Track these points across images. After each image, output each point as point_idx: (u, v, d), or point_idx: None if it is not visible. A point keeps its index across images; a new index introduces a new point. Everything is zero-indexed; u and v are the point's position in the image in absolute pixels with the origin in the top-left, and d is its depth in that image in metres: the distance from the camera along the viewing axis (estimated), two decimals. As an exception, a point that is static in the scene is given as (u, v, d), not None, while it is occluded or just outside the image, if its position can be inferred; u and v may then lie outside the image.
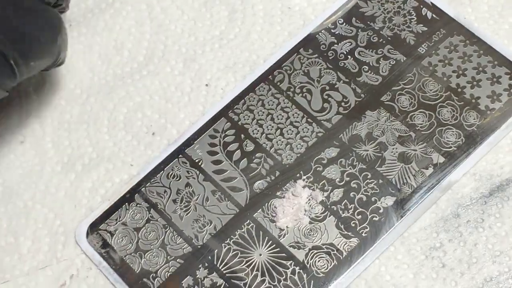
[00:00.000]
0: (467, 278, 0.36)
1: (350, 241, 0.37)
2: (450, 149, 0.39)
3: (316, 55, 0.43)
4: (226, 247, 0.38)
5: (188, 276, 0.38)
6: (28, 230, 0.40)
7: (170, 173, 0.40)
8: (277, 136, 0.41)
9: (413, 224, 0.38)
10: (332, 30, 0.43)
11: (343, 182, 0.39)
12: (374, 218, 0.38)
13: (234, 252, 0.38)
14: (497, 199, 0.38)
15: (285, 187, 0.39)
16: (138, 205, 0.40)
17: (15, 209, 0.40)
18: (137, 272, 0.38)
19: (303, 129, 0.41)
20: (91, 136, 0.42)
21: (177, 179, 0.40)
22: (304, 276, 0.37)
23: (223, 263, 0.38)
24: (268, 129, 0.41)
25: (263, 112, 0.41)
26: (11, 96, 0.42)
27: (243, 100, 0.42)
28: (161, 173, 0.40)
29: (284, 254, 0.38)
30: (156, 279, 0.38)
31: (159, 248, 0.38)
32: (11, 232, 0.40)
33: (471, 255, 0.37)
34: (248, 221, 0.39)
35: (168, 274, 0.38)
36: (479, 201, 0.38)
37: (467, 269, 0.36)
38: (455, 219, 0.38)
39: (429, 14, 0.43)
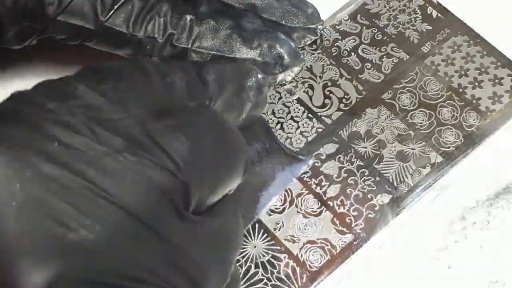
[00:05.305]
0: (472, 280, 0.36)
1: (344, 237, 0.38)
2: (449, 149, 0.39)
3: (320, 50, 0.43)
4: (222, 238, 0.38)
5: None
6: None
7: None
8: (277, 130, 0.41)
9: (416, 225, 0.38)
10: (337, 27, 0.44)
11: (341, 178, 0.39)
12: (370, 215, 0.38)
13: (230, 244, 0.38)
14: (503, 201, 0.38)
15: (282, 181, 0.40)
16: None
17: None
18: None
19: (303, 124, 0.41)
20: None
21: (177, 169, 0.41)
22: (297, 269, 0.37)
23: (218, 254, 0.38)
24: (269, 123, 0.41)
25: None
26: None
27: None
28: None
29: (278, 247, 0.38)
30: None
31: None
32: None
33: (476, 257, 0.37)
34: (245, 213, 0.39)
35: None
36: (485, 203, 0.38)
37: (473, 271, 0.36)
38: (460, 221, 0.38)
39: (434, 13, 0.43)
